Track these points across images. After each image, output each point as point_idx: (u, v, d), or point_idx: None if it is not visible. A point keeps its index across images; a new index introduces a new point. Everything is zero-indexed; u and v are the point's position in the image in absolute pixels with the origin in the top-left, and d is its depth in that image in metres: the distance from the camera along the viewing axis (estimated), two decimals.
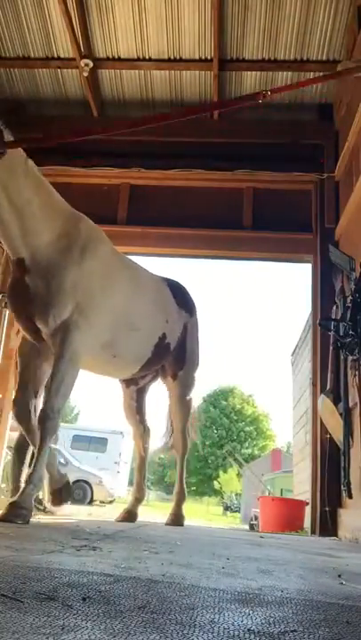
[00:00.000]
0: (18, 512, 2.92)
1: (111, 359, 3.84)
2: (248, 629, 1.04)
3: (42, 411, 3.19)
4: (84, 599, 1.14)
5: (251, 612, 1.20)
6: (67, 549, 1.93)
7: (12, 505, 2.96)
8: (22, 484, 3.94)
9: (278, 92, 2.82)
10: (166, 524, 4.57)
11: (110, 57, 6.70)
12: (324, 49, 6.30)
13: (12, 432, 6.26)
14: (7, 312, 5.75)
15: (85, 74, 6.66)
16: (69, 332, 3.23)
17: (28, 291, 3.25)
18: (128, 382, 4.62)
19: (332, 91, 6.73)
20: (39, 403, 3.49)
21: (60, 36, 6.52)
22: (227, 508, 35.11)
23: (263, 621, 1.11)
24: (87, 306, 3.33)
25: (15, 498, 3.10)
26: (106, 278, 3.57)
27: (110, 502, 16.38)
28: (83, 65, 6.58)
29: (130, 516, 4.51)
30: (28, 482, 3.11)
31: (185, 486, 4.80)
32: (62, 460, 14.99)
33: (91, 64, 6.62)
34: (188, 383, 4.75)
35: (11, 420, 6.58)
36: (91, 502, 15.08)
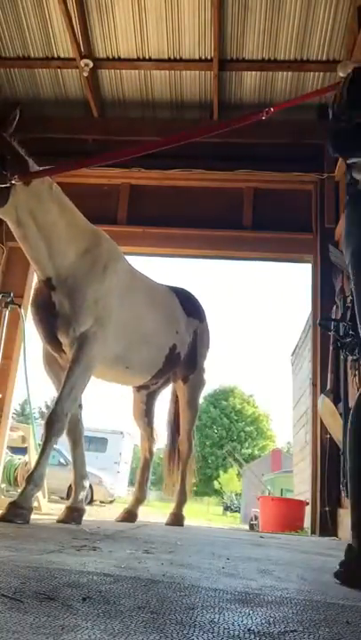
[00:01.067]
0: (18, 512, 2.95)
1: (124, 370, 4.01)
2: (248, 629, 1.04)
3: (51, 412, 3.26)
4: (84, 599, 1.14)
5: (251, 611, 1.20)
6: (67, 549, 1.93)
7: (12, 505, 3.00)
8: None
9: (281, 107, 2.93)
10: (166, 524, 4.57)
11: (110, 57, 6.69)
12: (325, 49, 6.30)
13: (12, 432, 6.27)
14: (7, 312, 5.75)
15: (85, 74, 6.65)
16: (87, 341, 3.39)
17: (53, 308, 3.42)
18: (139, 387, 4.72)
19: (333, 90, 6.71)
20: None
21: (60, 35, 6.51)
22: (227, 508, 35.11)
23: (263, 621, 1.11)
24: (106, 320, 3.52)
25: (15, 498, 3.13)
26: (123, 294, 3.76)
27: (110, 502, 16.38)
28: (83, 65, 6.58)
29: (130, 516, 4.51)
30: (28, 481, 3.14)
31: (187, 487, 4.79)
32: (62, 461, 14.97)
33: (91, 64, 6.61)
34: (199, 386, 4.88)
35: (10, 419, 6.58)
36: (91, 502, 15.06)
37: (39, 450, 3.33)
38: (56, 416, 3.22)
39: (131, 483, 32.08)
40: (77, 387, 3.36)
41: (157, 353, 4.22)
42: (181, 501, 4.71)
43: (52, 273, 3.42)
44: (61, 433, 3.31)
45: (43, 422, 3.37)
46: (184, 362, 4.60)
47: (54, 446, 3.31)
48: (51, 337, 3.52)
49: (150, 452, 4.84)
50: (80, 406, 3.74)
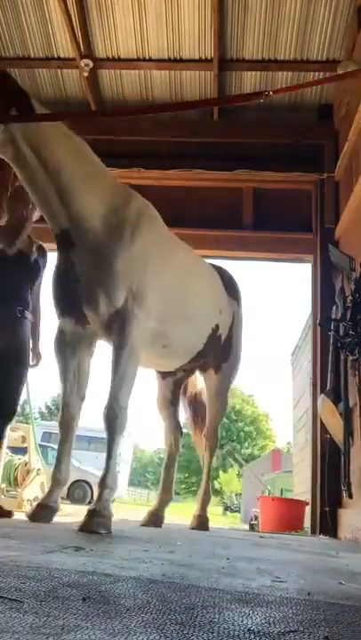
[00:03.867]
0: (100, 521, 2.73)
1: (161, 350, 3.53)
2: (248, 629, 1.04)
3: (108, 408, 2.95)
4: (84, 599, 1.14)
5: (251, 612, 1.19)
6: (67, 549, 1.93)
7: (92, 513, 2.76)
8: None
9: (280, 92, 2.90)
10: (191, 528, 4.24)
11: (110, 57, 6.69)
12: (325, 49, 6.30)
13: (12, 432, 6.27)
14: None
15: (85, 74, 6.66)
16: (127, 322, 2.98)
17: (73, 269, 2.98)
18: (165, 374, 4.30)
19: (332, 91, 6.72)
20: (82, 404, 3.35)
21: (60, 35, 6.52)
22: (227, 508, 35.15)
23: (263, 621, 1.11)
24: (141, 292, 3.05)
25: (93, 505, 2.88)
26: (160, 261, 3.27)
27: (113, 503, 16.36)
28: (83, 65, 6.58)
29: (156, 518, 4.12)
30: (102, 486, 2.89)
31: (210, 487, 4.50)
32: None
33: (91, 64, 6.62)
34: (230, 377, 4.47)
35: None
36: (90, 502, 15.06)
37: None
38: (113, 412, 2.92)
39: (131, 483, 32.07)
40: (127, 376, 2.99)
41: (200, 332, 3.77)
42: (206, 502, 4.38)
43: (67, 224, 2.97)
44: (123, 429, 2.99)
45: (103, 420, 3.00)
46: (221, 347, 4.17)
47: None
48: (70, 305, 3.10)
49: (176, 447, 4.35)
50: (82, 398, 3.32)
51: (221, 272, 4.37)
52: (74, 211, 2.97)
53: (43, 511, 3.16)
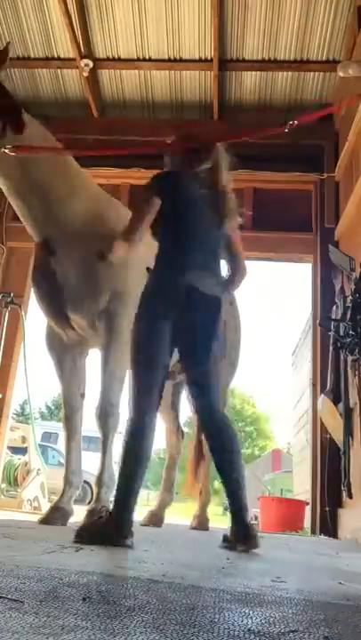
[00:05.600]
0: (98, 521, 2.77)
1: None
2: (248, 629, 1.04)
3: (100, 407, 3.00)
4: (84, 599, 1.14)
5: (251, 612, 1.19)
6: (67, 549, 1.93)
7: (91, 513, 2.79)
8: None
9: (306, 120, 2.96)
10: (191, 528, 4.29)
11: (110, 57, 6.69)
12: (325, 49, 6.30)
13: (12, 432, 6.27)
14: (7, 312, 5.75)
15: (85, 74, 6.65)
16: (113, 322, 3.05)
17: (54, 276, 3.05)
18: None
19: (333, 91, 6.72)
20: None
21: (60, 35, 6.52)
22: (227, 508, 35.16)
23: (263, 621, 1.11)
24: (125, 292, 3.11)
25: (92, 505, 2.94)
26: (139, 264, 3.32)
27: (111, 502, 16.33)
28: (83, 65, 6.58)
29: (156, 519, 4.17)
30: (99, 485, 2.95)
31: (209, 486, 4.48)
32: (62, 461, 14.97)
33: (91, 64, 6.62)
34: (227, 377, 4.44)
35: (10, 419, 6.58)
36: (90, 502, 15.01)
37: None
38: (105, 411, 2.96)
39: None
40: (117, 375, 3.03)
41: None
42: (206, 502, 4.41)
43: (49, 233, 3.05)
44: (117, 427, 3.03)
45: (96, 420, 3.04)
46: None
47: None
48: (55, 311, 3.15)
49: (177, 449, 4.44)
50: (82, 395, 3.38)
51: None
52: (58, 222, 3.05)
53: (56, 514, 3.15)
